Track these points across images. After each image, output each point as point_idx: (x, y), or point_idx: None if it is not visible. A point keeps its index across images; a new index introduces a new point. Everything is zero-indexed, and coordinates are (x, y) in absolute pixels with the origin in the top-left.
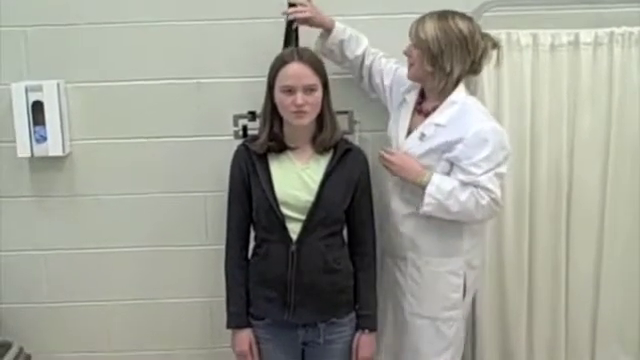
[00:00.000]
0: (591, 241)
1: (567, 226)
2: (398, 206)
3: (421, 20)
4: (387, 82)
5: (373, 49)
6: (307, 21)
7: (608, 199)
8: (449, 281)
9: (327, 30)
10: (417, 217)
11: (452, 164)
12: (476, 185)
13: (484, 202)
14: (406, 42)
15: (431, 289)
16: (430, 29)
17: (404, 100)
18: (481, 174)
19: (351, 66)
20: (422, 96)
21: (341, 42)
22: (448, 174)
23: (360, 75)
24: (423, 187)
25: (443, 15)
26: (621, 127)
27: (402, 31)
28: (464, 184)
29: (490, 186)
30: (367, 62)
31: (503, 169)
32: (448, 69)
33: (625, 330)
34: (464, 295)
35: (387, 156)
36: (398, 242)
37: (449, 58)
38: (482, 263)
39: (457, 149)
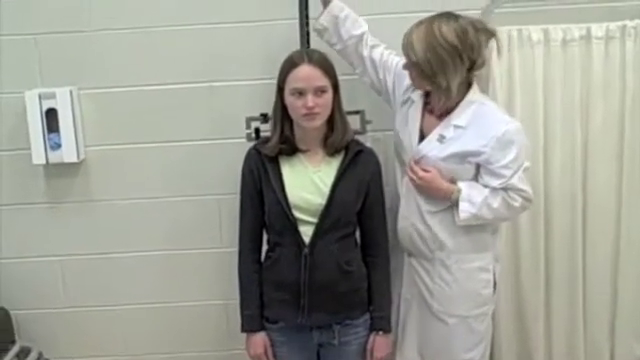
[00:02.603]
0: (608, 233)
1: (583, 220)
2: (423, 205)
3: (409, 35)
4: (390, 79)
5: (374, 38)
6: None
7: (624, 192)
8: (480, 278)
9: (325, 5)
10: (443, 214)
11: (478, 166)
12: (508, 188)
13: (517, 204)
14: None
15: (462, 288)
16: (419, 48)
17: (409, 99)
18: (511, 175)
19: (345, 48)
20: (426, 95)
21: (335, 19)
22: (475, 177)
23: (356, 62)
24: (453, 202)
25: (429, 26)
26: (634, 121)
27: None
28: (494, 190)
29: (521, 186)
30: (365, 51)
31: (527, 163)
32: (444, 85)
33: None
34: (494, 290)
35: (414, 177)
36: (423, 242)
37: (443, 76)
38: (500, 254)
39: (485, 153)
